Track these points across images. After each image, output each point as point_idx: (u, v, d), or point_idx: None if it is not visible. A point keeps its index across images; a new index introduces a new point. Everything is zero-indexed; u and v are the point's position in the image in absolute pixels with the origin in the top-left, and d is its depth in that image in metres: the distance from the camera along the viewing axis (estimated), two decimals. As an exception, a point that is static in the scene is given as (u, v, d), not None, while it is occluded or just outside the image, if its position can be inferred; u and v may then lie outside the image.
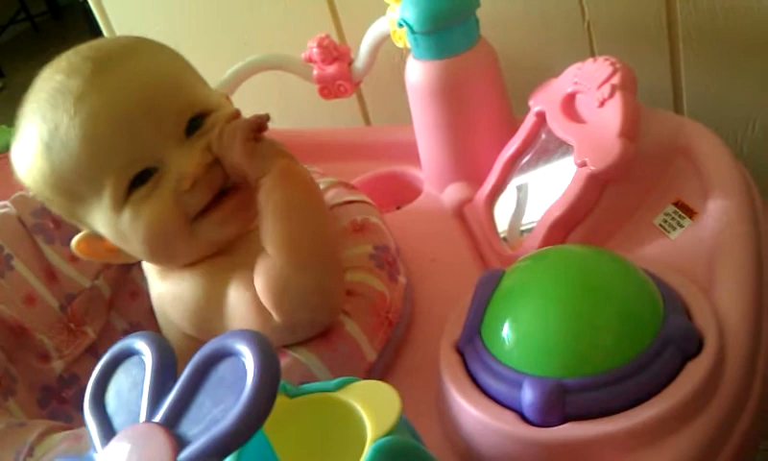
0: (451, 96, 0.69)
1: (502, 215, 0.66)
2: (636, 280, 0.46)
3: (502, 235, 0.65)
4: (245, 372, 0.28)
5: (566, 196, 0.57)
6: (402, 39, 0.76)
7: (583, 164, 0.57)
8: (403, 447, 0.35)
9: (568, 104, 0.63)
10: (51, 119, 0.51)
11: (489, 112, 0.71)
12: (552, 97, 0.64)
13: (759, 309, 0.48)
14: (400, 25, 0.70)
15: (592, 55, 0.79)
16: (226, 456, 0.28)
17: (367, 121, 0.98)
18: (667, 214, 0.56)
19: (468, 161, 0.71)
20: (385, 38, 0.81)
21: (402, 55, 0.86)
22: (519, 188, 0.66)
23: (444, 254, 0.66)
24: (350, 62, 0.85)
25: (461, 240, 0.67)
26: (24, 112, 0.54)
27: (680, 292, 0.48)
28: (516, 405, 0.44)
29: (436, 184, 0.74)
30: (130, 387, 0.32)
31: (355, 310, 0.53)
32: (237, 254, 0.53)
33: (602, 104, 0.58)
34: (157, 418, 0.30)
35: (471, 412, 0.45)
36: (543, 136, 0.65)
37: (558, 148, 0.63)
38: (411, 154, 0.77)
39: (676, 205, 0.56)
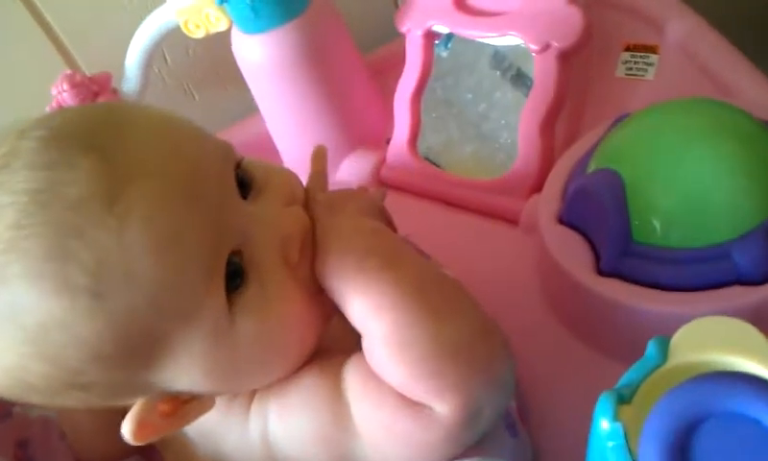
0: (314, 59, 0.58)
1: (432, 152, 0.59)
2: (736, 107, 0.43)
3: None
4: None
5: (545, 86, 0.52)
6: (205, 25, 0.61)
7: (546, 47, 0.52)
8: None
9: (464, 6, 0.57)
10: (89, 248, 0.29)
11: (353, 64, 0.61)
12: (437, 9, 0.57)
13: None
14: (221, 2, 0.56)
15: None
16: None
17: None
18: (626, 61, 0.55)
19: (357, 125, 0.61)
20: (159, 43, 0.64)
21: (173, 57, 0.70)
22: (443, 117, 0.59)
23: (409, 219, 0.56)
24: (114, 90, 0.66)
25: (410, 199, 0.57)
26: None
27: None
28: (727, 278, 0.39)
29: (320, 168, 0.62)
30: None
31: None
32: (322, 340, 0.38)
33: (522, -16, 0.53)
34: None
35: (686, 314, 0.38)
36: (444, 54, 0.59)
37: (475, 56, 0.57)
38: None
39: (628, 49, 0.55)
